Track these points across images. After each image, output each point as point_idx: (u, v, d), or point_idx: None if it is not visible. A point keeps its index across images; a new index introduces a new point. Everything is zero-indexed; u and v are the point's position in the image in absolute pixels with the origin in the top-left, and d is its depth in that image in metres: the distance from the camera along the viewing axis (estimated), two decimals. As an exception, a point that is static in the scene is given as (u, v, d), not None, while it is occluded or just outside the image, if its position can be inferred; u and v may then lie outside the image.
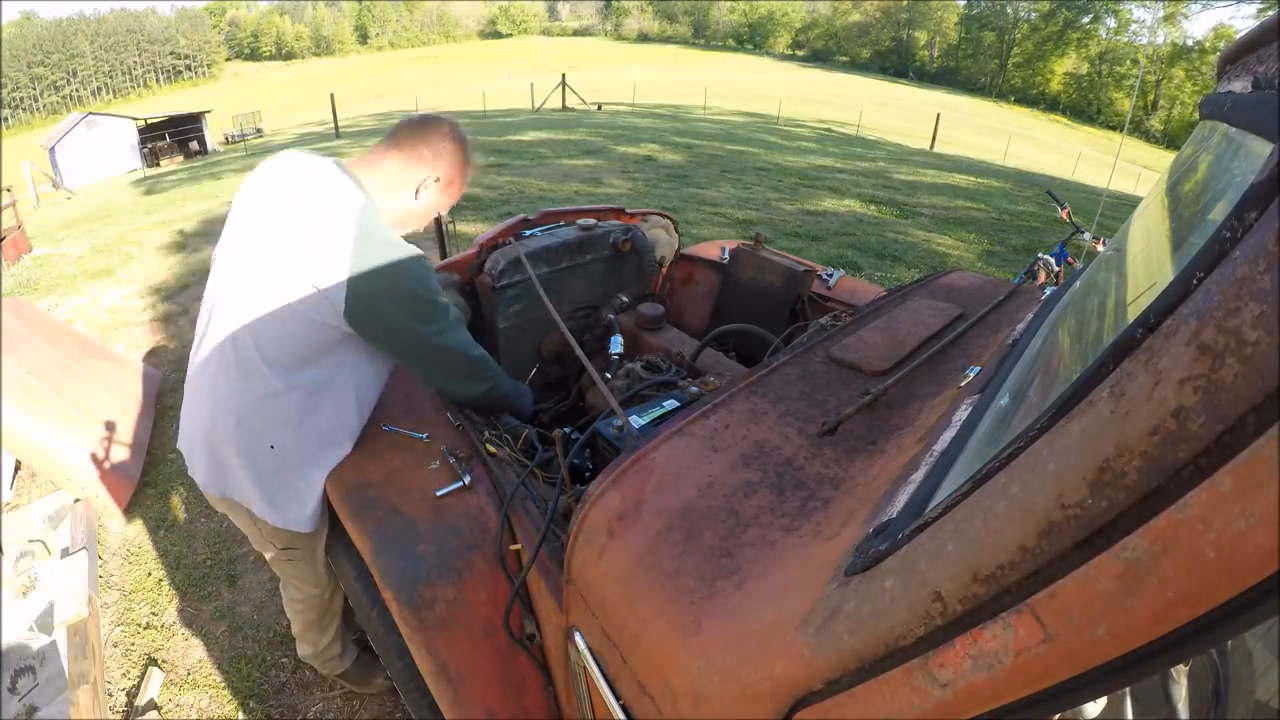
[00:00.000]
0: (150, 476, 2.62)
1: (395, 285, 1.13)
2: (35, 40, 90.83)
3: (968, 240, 6.72)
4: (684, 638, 0.66)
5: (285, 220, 1.14)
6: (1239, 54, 0.70)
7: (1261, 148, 0.47)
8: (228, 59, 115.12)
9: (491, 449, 1.24)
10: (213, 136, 26.72)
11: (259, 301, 1.12)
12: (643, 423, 1.13)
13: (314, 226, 1.12)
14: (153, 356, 3.69)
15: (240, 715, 1.73)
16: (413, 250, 1.16)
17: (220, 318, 1.16)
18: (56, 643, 1.79)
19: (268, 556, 1.40)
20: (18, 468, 2.65)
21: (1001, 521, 0.39)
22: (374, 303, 1.12)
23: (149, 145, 24.67)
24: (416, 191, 1.26)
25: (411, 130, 1.25)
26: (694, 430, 0.93)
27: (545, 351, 1.97)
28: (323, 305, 1.10)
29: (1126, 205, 10.61)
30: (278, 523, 1.22)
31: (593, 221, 1.97)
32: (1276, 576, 0.28)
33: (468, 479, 1.17)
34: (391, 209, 1.25)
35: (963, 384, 0.97)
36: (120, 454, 2.56)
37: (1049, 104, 75.57)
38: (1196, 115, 0.88)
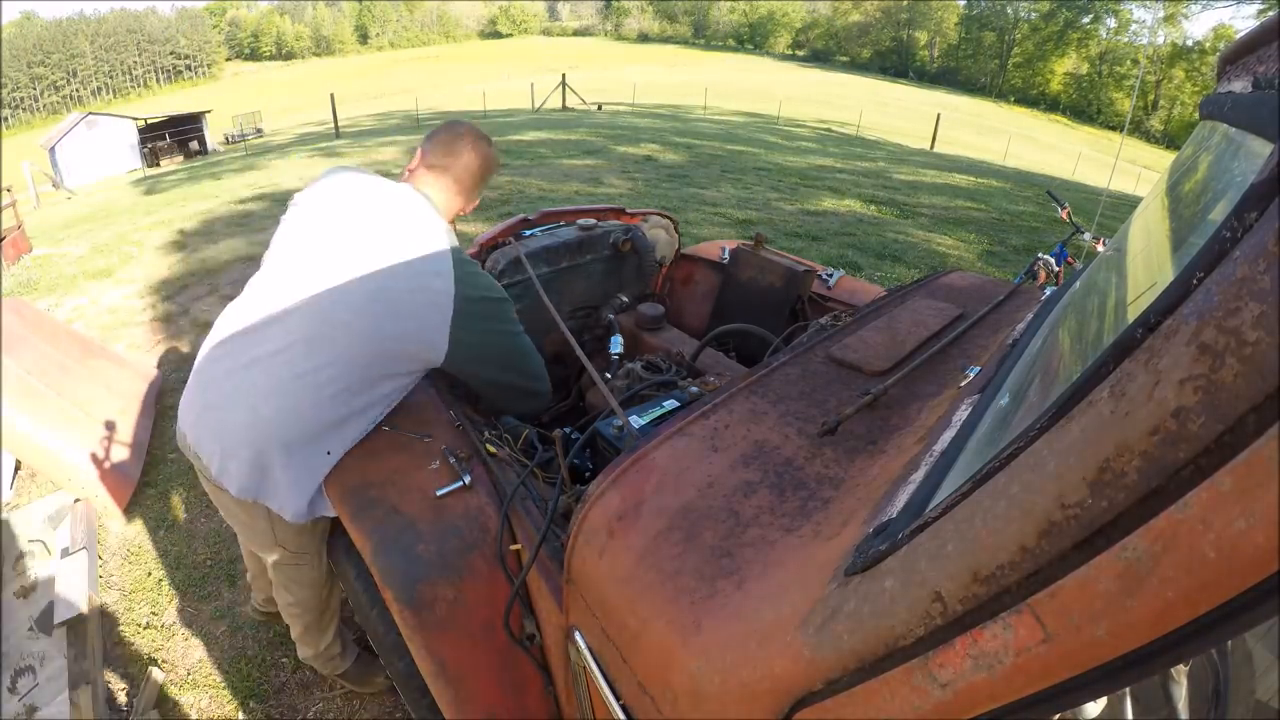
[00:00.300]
0: (150, 476, 2.62)
1: (493, 305, 1.27)
2: (35, 40, 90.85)
3: (968, 240, 6.72)
4: (684, 638, 0.66)
5: (374, 243, 1.20)
6: (1239, 54, 0.70)
7: (1261, 148, 0.47)
8: (228, 59, 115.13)
9: (491, 449, 1.24)
10: (213, 136, 26.73)
11: (350, 325, 1.15)
12: (643, 423, 1.13)
13: (406, 259, 1.19)
14: (153, 356, 3.69)
15: (240, 715, 1.73)
16: (481, 268, 1.35)
17: (291, 325, 1.16)
18: (56, 643, 1.80)
19: (271, 560, 1.38)
20: (18, 468, 2.65)
21: (1001, 521, 0.39)
22: (477, 331, 1.24)
23: (149, 145, 24.68)
24: (463, 206, 1.40)
25: (445, 153, 1.36)
26: (694, 430, 0.93)
27: (545, 351, 1.96)
28: (421, 339, 1.19)
29: (1126, 205, 10.60)
30: (305, 517, 1.23)
31: (593, 221, 1.98)
32: (1276, 576, 0.28)
33: (468, 479, 1.17)
34: (446, 218, 1.37)
35: (963, 384, 0.97)
36: (120, 454, 2.56)
37: (1049, 104, 75.59)
38: (1196, 115, 0.88)
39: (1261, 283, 0.28)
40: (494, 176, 1.48)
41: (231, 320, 1.22)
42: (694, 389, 1.29)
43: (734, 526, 0.75)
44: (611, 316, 1.95)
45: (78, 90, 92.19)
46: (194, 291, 4.69)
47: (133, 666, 1.86)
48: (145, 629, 1.98)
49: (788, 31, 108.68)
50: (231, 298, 1.30)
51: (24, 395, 2.43)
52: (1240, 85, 0.64)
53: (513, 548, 1.10)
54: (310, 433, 1.16)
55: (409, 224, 1.24)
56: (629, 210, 2.14)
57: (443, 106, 27.98)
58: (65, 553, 2.14)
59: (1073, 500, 0.35)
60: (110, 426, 2.61)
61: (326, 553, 1.42)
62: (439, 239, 1.23)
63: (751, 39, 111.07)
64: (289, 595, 1.48)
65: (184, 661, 1.88)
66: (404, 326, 1.18)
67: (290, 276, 1.20)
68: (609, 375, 1.66)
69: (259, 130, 28.77)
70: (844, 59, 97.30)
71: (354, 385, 1.17)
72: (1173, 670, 0.68)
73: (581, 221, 1.96)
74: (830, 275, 2.02)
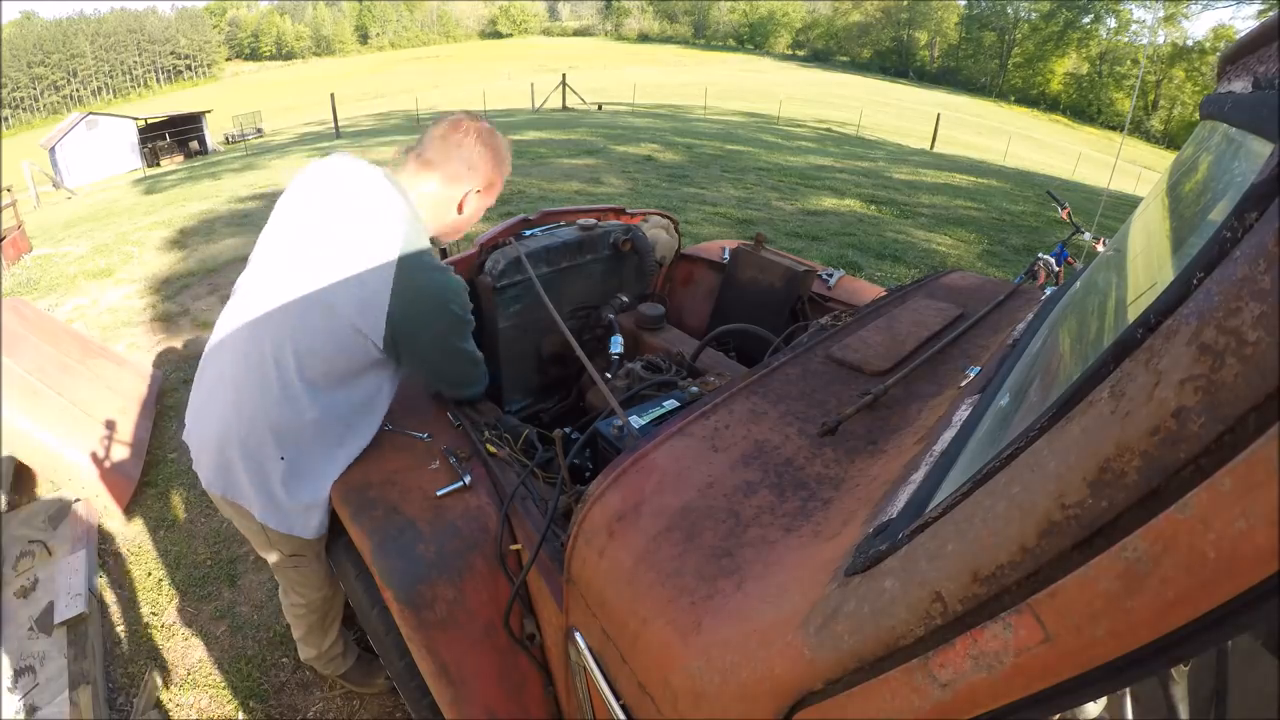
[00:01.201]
0: (150, 476, 2.62)
1: (436, 310, 1.18)
2: (35, 40, 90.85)
3: (968, 240, 6.72)
4: (684, 638, 0.66)
5: (331, 233, 1.16)
6: (1239, 54, 0.70)
7: (1262, 148, 0.47)
8: (228, 59, 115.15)
9: (492, 449, 1.24)
10: (213, 136, 26.72)
11: (294, 313, 1.12)
12: (643, 423, 1.13)
13: (360, 246, 1.14)
14: (153, 356, 3.69)
15: (240, 715, 1.73)
16: (449, 272, 1.20)
17: (252, 319, 1.15)
18: (56, 643, 1.80)
19: (271, 561, 1.38)
20: (18, 468, 2.65)
21: (1002, 521, 0.39)
22: (412, 329, 1.16)
23: (149, 145, 24.66)
24: (461, 205, 1.27)
25: (443, 147, 1.24)
26: (694, 430, 0.93)
27: (545, 351, 1.96)
28: (359, 333, 1.13)
29: (1126, 205, 10.60)
30: (280, 528, 1.22)
31: (593, 221, 1.97)
32: (1276, 576, 0.28)
33: (468, 479, 1.17)
34: (439, 225, 1.28)
35: (963, 384, 0.97)
36: (120, 453, 2.56)
37: (1049, 104, 75.59)
38: (1197, 115, 0.88)
39: (1262, 283, 0.28)
40: (503, 166, 1.31)
41: (221, 322, 1.25)
42: (694, 389, 1.29)
43: (734, 526, 0.75)
44: (611, 316, 1.95)
45: (78, 90, 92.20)
46: (194, 291, 4.69)
47: (133, 666, 1.86)
48: (145, 629, 1.98)
49: (788, 31, 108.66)
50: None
51: (24, 395, 2.43)
52: (1240, 85, 0.64)
53: (513, 548, 1.10)
54: (260, 435, 1.15)
55: (364, 219, 1.16)
56: (629, 210, 2.14)
57: (443, 106, 27.98)
58: (65, 553, 2.14)
59: (1073, 500, 0.35)
60: (110, 426, 2.61)
61: (326, 553, 1.42)
62: (392, 236, 1.14)
63: (752, 39, 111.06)
64: (296, 596, 1.49)
65: (184, 661, 1.88)
66: (339, 322, 1.12)
67: (259, 279, 1.20)
68: (609, 375, 1.66)
69: (259, 130, 28.75)
70: (844, 59, 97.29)
71: (300, 388, 1.14)
72: (1173, 670, 0.68)
73: (582, 221, 1.96)
74: (830, 275, 2.02)
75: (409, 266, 1.13)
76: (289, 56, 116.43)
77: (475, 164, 1.25)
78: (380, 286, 1.12)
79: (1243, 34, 0.70)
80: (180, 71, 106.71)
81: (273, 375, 1.13)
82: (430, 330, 1.19)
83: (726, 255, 2.16)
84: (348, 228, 1.15)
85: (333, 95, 18.18)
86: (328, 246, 1.14)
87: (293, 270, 1.15)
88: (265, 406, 1.13)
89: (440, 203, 1.26)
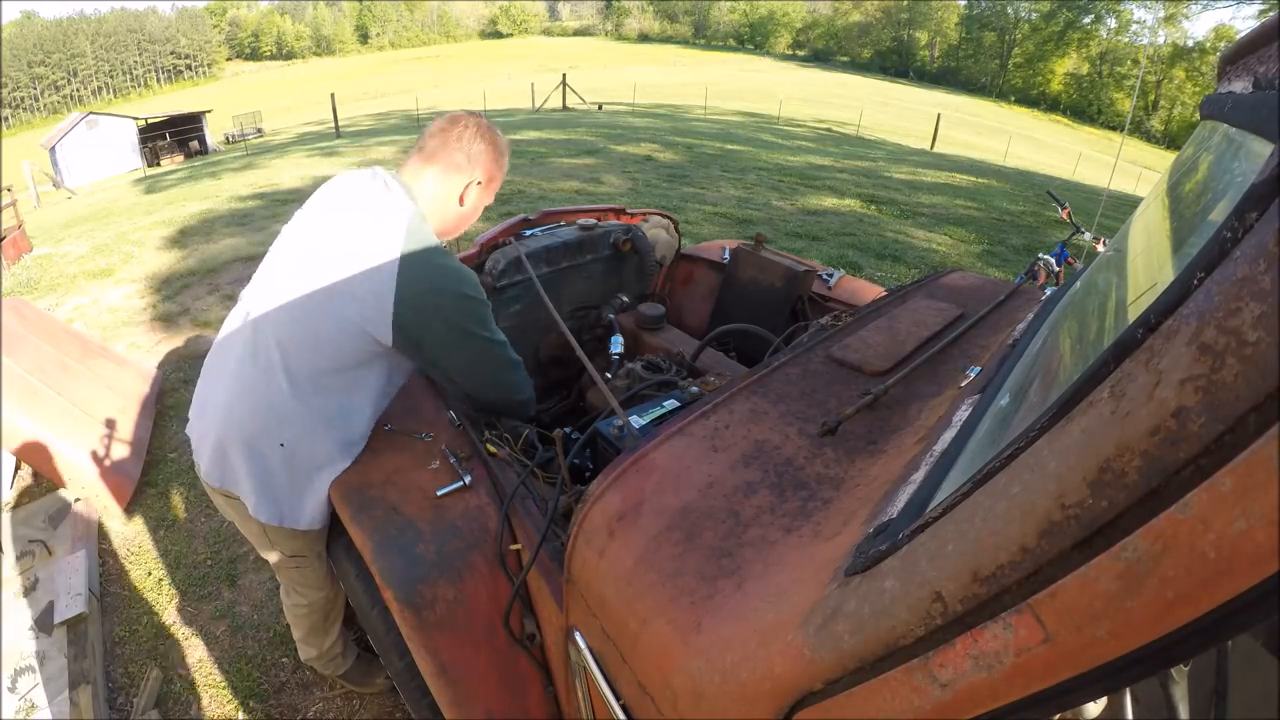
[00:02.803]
0: (150, 476, 2.62)
1: (447, 298, 1.15)
2: (35, 40, 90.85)
3: (967, 240, 6.72)
4: (684, 638, 0.66)
5: (337, 234, 1.18)
6: (1239, 54, 0.70)
7: (1262, 148, 0.47)
8: (228, 59, 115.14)
9: (492, 449, 1.24)
10: (213, 136, 26.72)
11: (298, 309, 1.14)
12: (643, 423, 1.13)
13: (364, 244, 1.14)
14: (153, 356, 3.69)
15: (240, 715, 1.73)
16: (457, 260, 1.18)
17: (257, 318, 1.18)
18: (56, 642, 1.80)
19: (273, 561, 1.39)
20: (18, 467, 2.65)
21: (1002, 521, 0.39)
22: (424, 319, 1.14)
23: (149, 145, 24.67)
24: (462, 198, 1.27)
25: (442, 140, 1.24)
26: (694, 430, 0.93)
27: (545, 351, 1.97)
28: (364, 329, 1.13)
29: (1127, 205, 10.61)
30: (273, 520, 1.23)
31: (593, 221, 1.98)
32: (1276, 576, 0.28)
33: (468, 479, 1.17)
34: (441, 219, 1.27)
35: (963, 384, 0.97)
36: (120, 453, 2.56)
37: (1049, 104, 75.55)
38: (1197, 115, 0.88)
39: (1262, 283, 0.28)
40: (501, 160, 1.32)
41: (226, 324, 1.27)
42: (694, 389, 1.30)
43: (734, 526, 0.75)
44: (612, 316, 1.95)
45: (78, 90, 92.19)
46: (194, 291, 4.68)
47: (133, 666, 1.85)
48: (145, 629, 1.98)
49: (788, 31, 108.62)
50: (231, 297, 1.32)
51: (24, 395, 2.43)
52: (1241, 85, 0.64)
53: (513, 548, 1.10)
54: (262, 422, 1.17)
55: (368, 218, 1.17)
56: (629, 210, 2.14)
57: (443, 106, 27.96)
58: (65, 552, 2.14)
59: (1073, 500, 0.35)
60: (110, 426, 2.61)
61: (327, 553, 1.42)
62: (394, 229, 1.14)
63: (752, 39, 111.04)
64: (297, 596, 1.49)
65: (184, 661, 1.88)
66: (344, 314, 1.13)
67: (266, 282, 1.22)
68: (609, 375, 1.66)
69: (259, 130, 28.74)
70: (844, 59, 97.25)
71: (303, 380, 1.16)
72: (1173, 670, 0.68)
73: (582, 221, 1.97)
74: (830, 275, 2.02)
75: (413, 258, 1.13)
76: (289, 56, 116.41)
77: (475, 156, 1.26)
78: (384, 280, 1.11)
79: (1243, 34, 0.70)
80: (180, 71, 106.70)
81: (278, 368, 1.15)
82: (443, 320, 1.16)
83: (726, 255, 2.16)
84: (353, 229, 1.17)
85: (333, 95, 18.18)
86: (333, 248, 1.16)
87: (299, 272, 1.17)
88: (268, 396, 1.15)
89: (441, 196, 1.26)
